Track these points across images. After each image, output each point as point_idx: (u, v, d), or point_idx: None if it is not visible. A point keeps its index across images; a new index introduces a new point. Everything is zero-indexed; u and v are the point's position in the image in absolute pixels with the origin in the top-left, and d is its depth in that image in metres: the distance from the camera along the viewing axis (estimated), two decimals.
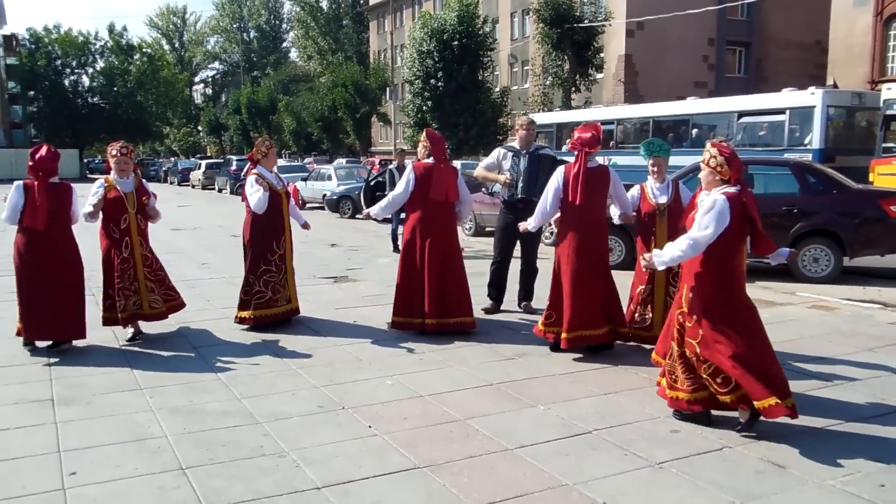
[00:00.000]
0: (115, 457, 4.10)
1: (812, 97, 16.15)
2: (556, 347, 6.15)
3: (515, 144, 7.69)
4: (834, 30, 26.00)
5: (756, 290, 8.43)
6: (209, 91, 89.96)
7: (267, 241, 6.85)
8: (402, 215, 7.95)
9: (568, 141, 22.93)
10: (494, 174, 7.71)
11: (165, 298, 6.72)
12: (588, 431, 4.45)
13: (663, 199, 6.10)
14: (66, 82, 57.16)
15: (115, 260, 6.37)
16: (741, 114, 18.03)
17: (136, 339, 6.59)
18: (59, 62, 56.30)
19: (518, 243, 7.74)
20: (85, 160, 59.86)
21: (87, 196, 6.34)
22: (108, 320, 6.54)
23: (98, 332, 6.72)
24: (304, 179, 23.81)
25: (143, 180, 6.70)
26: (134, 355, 6.16)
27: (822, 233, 9.54)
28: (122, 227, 6.38)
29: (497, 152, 7.77)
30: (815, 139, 15.99)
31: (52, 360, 6.00)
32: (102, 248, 6.50)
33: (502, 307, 7.78)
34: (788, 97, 16.91)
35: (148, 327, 6.83)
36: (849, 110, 17.08)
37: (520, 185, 7.44)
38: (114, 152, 6.49)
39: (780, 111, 16.94)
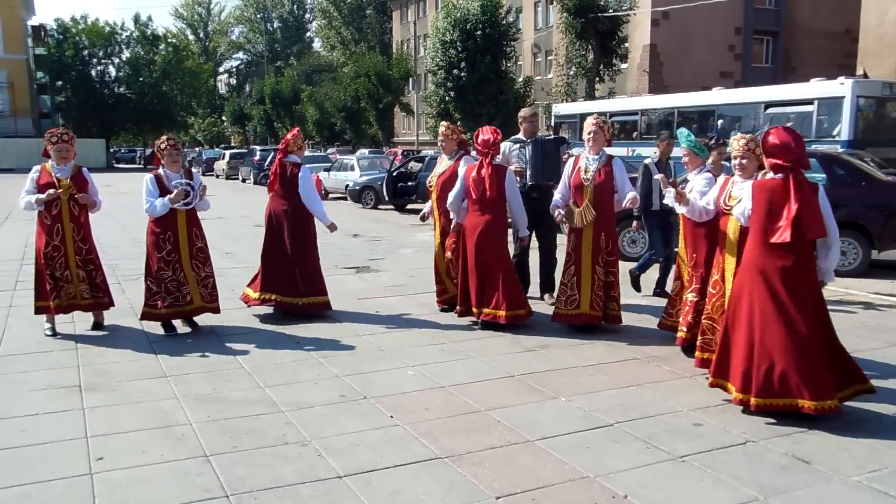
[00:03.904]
0: (141, 443, 4.16)
1: (841, 87, 15.86)
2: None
3: (521, 136, 7.68)
4: (865, 18, 25.48)
5: None
6: (233, 81, 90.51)
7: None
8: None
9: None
10: None
11: (93, 294, 6.54)
12: (610, 424, 4.44)
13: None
14: (93, 72, 57.60)
15: (44, 247, 6.26)
16: (768, 104, 17.77)
17: (98, 330, 6.57)
18: (86, 52, 56.75)
19: (534, 232, 7.73)
20: (111, 150, 60.51)
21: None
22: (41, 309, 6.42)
23: (124, 320, 6.83)
24: (327, 170, 23.89)
25: (85, 170, 6.48)
26: (159, 343, 6.23)
27: (849, 225, 9.37)
28: (52, 213, 6.25)
29: (504, 146, 7.67)
30: (844, 130, 15.72)
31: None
32: (36, 234, 6.44)
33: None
34: (817, 87, 16.63)
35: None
36: (879, 101, 16.75)
37: (528, 172, 7.43)
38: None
39: (809, 102, 16.66)
